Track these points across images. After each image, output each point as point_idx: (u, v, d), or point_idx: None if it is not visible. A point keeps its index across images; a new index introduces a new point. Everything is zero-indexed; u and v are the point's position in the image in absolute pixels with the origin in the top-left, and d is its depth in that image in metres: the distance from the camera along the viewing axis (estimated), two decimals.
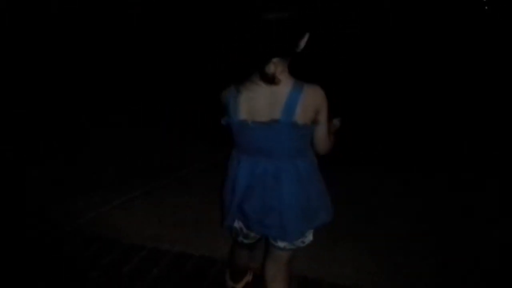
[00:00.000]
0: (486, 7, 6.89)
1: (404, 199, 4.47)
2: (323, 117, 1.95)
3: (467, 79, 6.59)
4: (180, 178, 4.85)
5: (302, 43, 1.95)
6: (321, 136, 1.99)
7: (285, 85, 1.89)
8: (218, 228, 3.42)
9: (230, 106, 1.95)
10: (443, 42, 7.06)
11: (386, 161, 5.31)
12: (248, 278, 2.68)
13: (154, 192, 4.54)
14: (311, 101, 1.88)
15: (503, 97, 6.45)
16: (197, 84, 6.84)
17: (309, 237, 2.15)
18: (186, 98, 6.74)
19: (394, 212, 4.23)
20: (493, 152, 5.47)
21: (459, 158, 5.40)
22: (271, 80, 1.86)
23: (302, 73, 2.04)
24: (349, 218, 3.92)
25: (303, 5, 1.98)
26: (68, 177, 4.89)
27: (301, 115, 1.86)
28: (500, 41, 6.71)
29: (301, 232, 2.08)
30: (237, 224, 2.16)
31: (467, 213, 4.24)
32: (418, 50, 7.12)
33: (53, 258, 3.48)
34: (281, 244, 2.12)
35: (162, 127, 6.35)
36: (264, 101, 1.89)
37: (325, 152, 2.06)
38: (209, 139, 5.35)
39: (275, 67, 1.88)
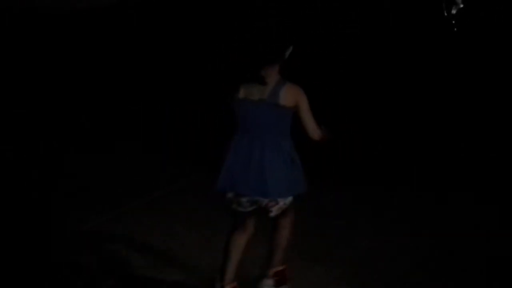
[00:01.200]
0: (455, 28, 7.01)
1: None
2: (303, 105, 2.62)
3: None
4: (155, 199, 4.61)
5: (287, 52, 2.64)
6: (307, 120, 2.64)
7: (273, 82, 2.62)
8: (192, 253, 3.47)
9: (235, 94, 2.69)
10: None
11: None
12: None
13: (128, 214, 4.28)
14: (291, 91, 2.61)
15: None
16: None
17: (285, 201, 2.73)
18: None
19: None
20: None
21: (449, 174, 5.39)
22: (261, 81, 2.61)
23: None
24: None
25: (287, 16, 2.48)
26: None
27: (282, 99, 2.58)
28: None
29: (278, 193, 2.66)
30: (230, 194, 2.73)
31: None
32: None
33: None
34: (272, 212, 2.73)
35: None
36: (256, 91, 2.63)
37: (314, 137, 2.67)
38: (189, 158, 5.30)
39: (265, 71, 2.62)
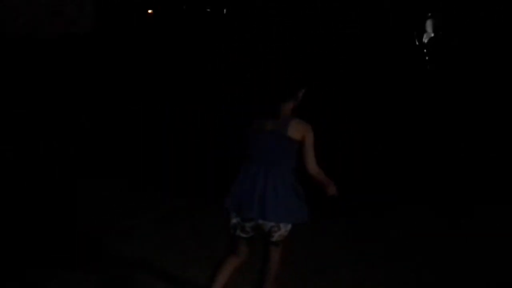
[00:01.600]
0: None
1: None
2: (309, 140, 2.85)
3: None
4: (128, 230, 4.35)
5: (300, 94, 2.93)
6: (308, 154, 2.86)
7: (285, 116, 2.89)
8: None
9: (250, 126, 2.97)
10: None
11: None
12: None
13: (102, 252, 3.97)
14: (299, 125, 2.87)
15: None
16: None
17: (287, 229, 2.90)
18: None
19: None
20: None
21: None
22: (274, 115, 2.89)
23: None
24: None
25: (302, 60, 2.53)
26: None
27: (290, 132, 2.84)
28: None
29: (278, 216, 2.84)
30: (235, 219, 2.92)
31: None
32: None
33: None
34: (274, 237, 2.90)
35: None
36: (269, 123, 2.90)
37: (312, 170, 2.86)
38: (167, 185, 5.13)
39: (279, 107, 2.89)
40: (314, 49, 6.78)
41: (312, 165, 2.87)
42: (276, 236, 2.90)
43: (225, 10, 8.01)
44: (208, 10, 8.13)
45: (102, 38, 7.19)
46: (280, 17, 6.55)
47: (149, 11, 8.10)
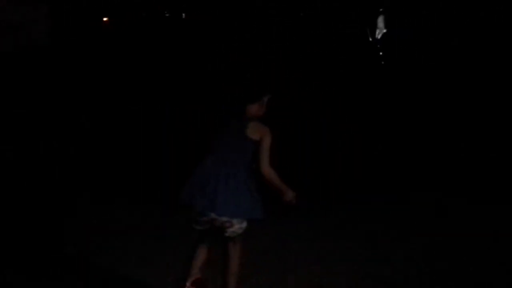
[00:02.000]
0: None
1: None
2: (265, 142, 2.95)
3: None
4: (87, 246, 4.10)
5: (266, 99, 3.07)
6: (263, 156, 2.95)
7: (249, 118, 3.04)
8: None
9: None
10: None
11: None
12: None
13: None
14: (259, 126, 3.01)
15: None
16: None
17: (242, 225, 2.98)
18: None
19: None
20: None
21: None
22: (238, 116, 3.05)
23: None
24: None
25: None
26: None
27: (249, 131, 2.97)
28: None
29: (228, 211, 2.91)
30: (193, 213, 2.99)
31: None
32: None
33: None
34: (227, 232, 2.98)
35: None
36: (233, 123, 3.06)
37: (264, 172, 2.94)
38: (129, 196, 5.01)
39: (244, 108, 3.04)
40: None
41: (265, 166, 2.95)
42: (229, 232, 2.97)
43: (183, 15, 8.01)
44: (167, 15, 8.13)
45: (58, 49, 7.16)
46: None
47: (104, 19, 8.08)
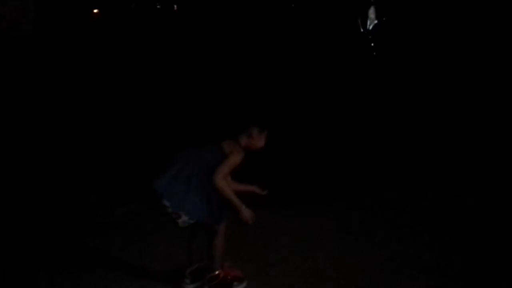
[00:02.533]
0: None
1: None
2: (231, 158, 3.09)
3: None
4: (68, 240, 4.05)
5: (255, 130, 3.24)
6: (222, 168, 3.07)
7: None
8: None
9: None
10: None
11: None
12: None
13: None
14: (232, 143, 3.19)
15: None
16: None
17: (189, 221, 3.13)
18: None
19: None
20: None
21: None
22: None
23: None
24: None
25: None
26: None
27: (224, 145, 3.16)
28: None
29: (171, 201, 3.06)
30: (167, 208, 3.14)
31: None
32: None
33: None
34: (178, 223, 3.16)
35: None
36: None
37: (215, 181, 3.04)
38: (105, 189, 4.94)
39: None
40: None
41: (217, 177, 3.05)
42: (180, 222, 3.14)
43: (175, 7, 7.95)
44: (159, 7, 8.07)
45: (45, 40, 7.13)
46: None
47: (95, 10, 8.01)
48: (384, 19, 7.44)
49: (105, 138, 6.21)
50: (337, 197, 4.84)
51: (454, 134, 6.16)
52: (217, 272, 3.30)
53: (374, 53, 7.37)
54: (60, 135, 6.22)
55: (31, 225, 4.27)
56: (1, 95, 6.53)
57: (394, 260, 3.68)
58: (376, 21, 7.49)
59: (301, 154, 5.75)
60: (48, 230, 4.16)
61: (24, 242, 3.95)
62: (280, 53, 6.79)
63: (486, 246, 3.88)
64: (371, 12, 7.52)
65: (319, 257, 3.75)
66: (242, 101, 6.19)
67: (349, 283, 3.42)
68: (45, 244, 3.94)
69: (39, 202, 4.69)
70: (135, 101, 6.91)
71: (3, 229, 4.13)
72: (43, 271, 3.54)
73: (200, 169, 3.10)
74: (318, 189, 5.05)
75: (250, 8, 6.91)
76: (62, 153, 5.75)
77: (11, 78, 6.74)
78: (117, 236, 4.07)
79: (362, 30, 7.48)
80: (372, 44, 7.38)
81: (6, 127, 6.18)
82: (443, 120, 6.38)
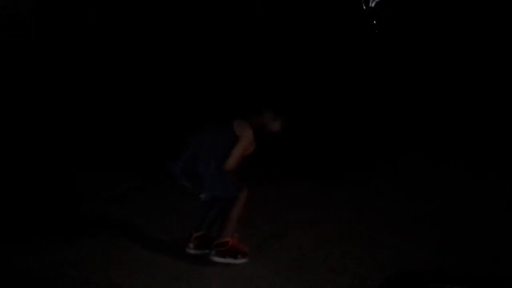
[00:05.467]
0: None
1: None
2: (242, 140, 3.41)
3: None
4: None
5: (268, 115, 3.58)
6: (235, 152, 3.41)
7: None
8: None
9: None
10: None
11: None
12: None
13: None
14: (243, 124, 3.51)
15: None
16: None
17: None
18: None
19: None
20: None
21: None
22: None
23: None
24: None
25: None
26: None
27: (235, 126, 3.48)
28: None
29: (210, 189, 3.47)
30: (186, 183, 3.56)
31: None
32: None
33: None
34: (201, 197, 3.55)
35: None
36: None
37: (227, 165, 3.40)
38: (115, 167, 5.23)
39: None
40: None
41: (231, 161, 3.39)
42: (202, 198, 3.50)
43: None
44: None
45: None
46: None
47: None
48: None
49: (114, 122, 6.33)
50: (347, 172, 5.02)
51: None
52: (227, 239, 3.47)
53: (376, 31, 7.36)
54: (73, 118, 6.39)
55: (44, 196, 4.58)
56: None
57: (400, 235, 3.73)
58: None
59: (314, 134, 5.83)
60: (58, 201, 4.49)
61: (36, 211, 4.24)
62: (285, 45, 6.81)
63: (496, 224, 3.91)
64: None
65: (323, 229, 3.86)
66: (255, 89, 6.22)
67: (351, 255, 3.49)
68: (56, 213, 4.23)
69: (51, 179, 5.01)
70: (147, 83, 6.97)
71: (18, 200, 4.35)
72: (54, 236, 3.83)
73: (215, 149, 3.40)
74: (327, 166, 5.20)
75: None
76: (73, 135, 5.96)
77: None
78: (125, 206, 4.33)
79: (364, 7, 7.48)
80: (374, 22, 7.38)
81: (17, 116, 6.27)
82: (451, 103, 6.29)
